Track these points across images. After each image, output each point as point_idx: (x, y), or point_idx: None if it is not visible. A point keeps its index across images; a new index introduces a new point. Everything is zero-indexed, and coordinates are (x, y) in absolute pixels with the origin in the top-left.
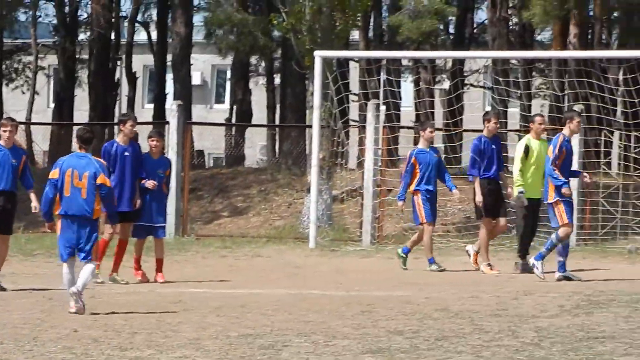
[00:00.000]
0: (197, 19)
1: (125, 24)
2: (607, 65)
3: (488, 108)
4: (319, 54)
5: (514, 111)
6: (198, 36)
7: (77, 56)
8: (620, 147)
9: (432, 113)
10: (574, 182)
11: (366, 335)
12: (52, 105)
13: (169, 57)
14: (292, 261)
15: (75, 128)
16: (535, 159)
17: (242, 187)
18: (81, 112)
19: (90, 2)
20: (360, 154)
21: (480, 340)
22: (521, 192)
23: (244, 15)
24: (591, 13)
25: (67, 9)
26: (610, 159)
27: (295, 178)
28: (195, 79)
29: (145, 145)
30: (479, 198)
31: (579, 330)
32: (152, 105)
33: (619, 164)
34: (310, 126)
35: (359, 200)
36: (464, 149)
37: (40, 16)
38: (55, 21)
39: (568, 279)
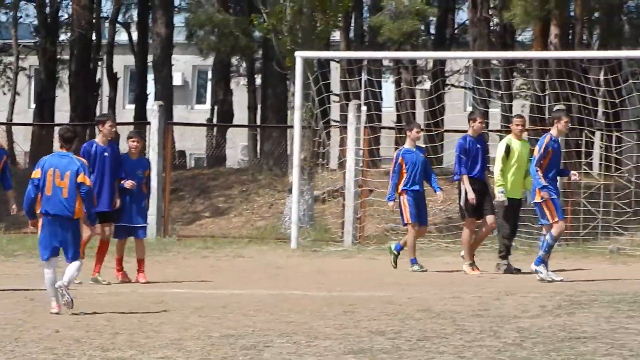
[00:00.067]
0: (178, 19)
1: (106, 24)
2: (588, 65)
3: (469, 108)
4: (299, 55)
5: (495, 111)
6: (179, 37)
7: (58, 57)
8: (601, 147)
9: (414, 113)
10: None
11: (348, 336)
12: (33, 105)
13: (150, 58)
14: (274, 262)
15: (56, 128)
16: (516, 159)
17: (224, 188)
18: (62, 112)
19: (71, 3)
20: (341, 154)
21: (462, 341)
22: (502, 192)
23: (225, 16)
24: (572, 13)
25: (47, 9)
26: (591, 160)
27: (276, 178)
28: (176, 80)
29: (125, 145)
30: (471, 195)
31: (560, 330)
32: (133, 106)
33: (600, 164)
34: (292, 126)
35: (341, 200)
36: (445, 149)
37: (21, 17)
38: (36, 22)
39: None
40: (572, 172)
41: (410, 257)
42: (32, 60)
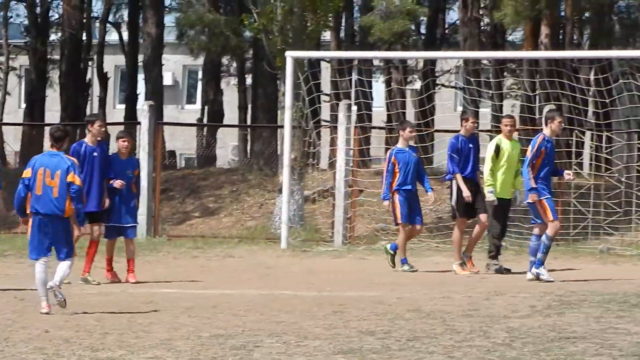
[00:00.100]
0: (169, 19)
1: (97, 24)
2: (578, 65)
3: (460, 108)
4: (290, 55)
5: (485, 111)
6: (169, 37)
7: (48, 57)
8: (591, 147)
9: (404, 113)
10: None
11: (338, 336)
12: (23, 105)
13: (141, 58)
14: (264, 262)
15: (47, 128)
16: (506, 159)
17: (214, 188)
18: (52, 112)
19: (61, 3)
20: (331, 154)
21: (452, 341)
22: (491, 192)
23: (216, 16)
24: (562, 13)
25: (38, 9)
26: (581, 159)
27: (266, 178)
28: (167, 80)
29: (116, 145)
30: (466, 193)
31: (550, 330)
32: (123, 106)
33: (591, 164)
34: (282, 126)
35: (331, 200)
36: (435, 149)
37: (11, 17)
38: (26, 22)
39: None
40: (567, 171)
41: (401, 257)
42: (23, 60)
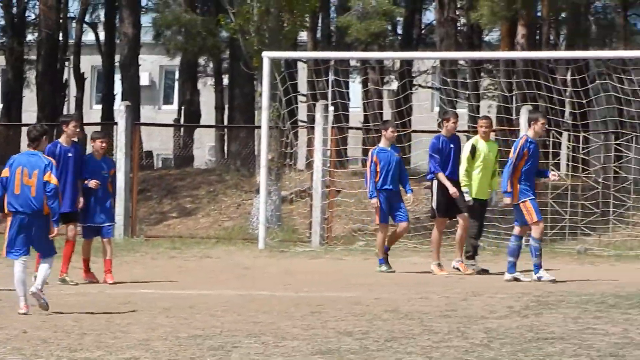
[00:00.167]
0: (145, 19)
1: (73, 24)
2: (555, 66)
3: (437, 109)
4: (267, 55)
5: (462, 112)
6: (146, 37)
7: (25, 57)
8: (568, 147)
9: (381, 114)
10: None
11: (315, 336)
12: (0, 106)
13: (117, 58)
14: (241, 262)
15: (24, 129)
16: (481, 160)
17: (191, 188)
18: (30, 112)
19: (37, 3)
20: (309, 154)
21: (430, 341)
22: (466, 192)
23: (192, 16)
24: (539, 14)
25: (14, 9)
26: (558, 160)
27: (244, 179)
28: (144, 80)
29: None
30: (452, 190)
31: (528, 331)
32: (100, 106)
33: (568, 164)
34: (259, 127)
35: (308, 201)
36: (412, 149)
37: None
38: (2, 22)
39: (517, 279)
40: (552, 172)
41: (379, 257)
42: None
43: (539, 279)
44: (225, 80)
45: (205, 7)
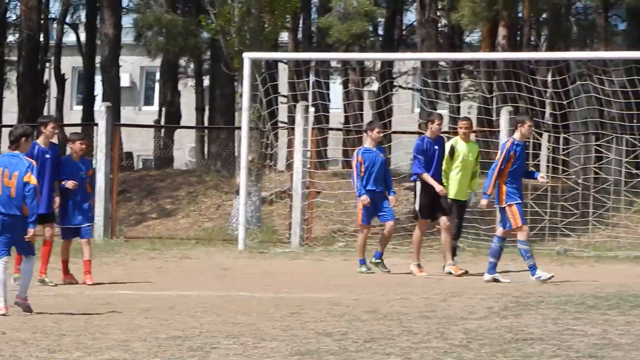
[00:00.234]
0: (126, 20)
1: (54, 25)
2: (535, 67)
3: (417, 110)
4: (247, 56)
5: (442, 113)
6: (127, 38)
7: (5, 58)
8: (548, 148)
9: (361, 115)
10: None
11: (295, 337)
12: None
13: (98, 59)
14: (221, 263)
15: (4, 130)
16: (460, 161)
17: (171, 189)
18: (10, 114)
19: (18, 4)
20: (289, 155)
21: (409, 342)
22: None
23: (173, 17)
24: (520, 15)
25: None
26: (538, 161)
27: (224, 180)
28: (124, 81)
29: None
30: (438, 188)
31: (507, 332)
32: (80, 107)
33: (548, 165)
34: (239, 128)
35: (288, 202)
36: (393, 151)
37: None
38: None
39: (497, 280)
40: (540, 174)
41: (359, 257)
42: None
43: (537, 278)
44: (206, 82)
45: (186, 8)
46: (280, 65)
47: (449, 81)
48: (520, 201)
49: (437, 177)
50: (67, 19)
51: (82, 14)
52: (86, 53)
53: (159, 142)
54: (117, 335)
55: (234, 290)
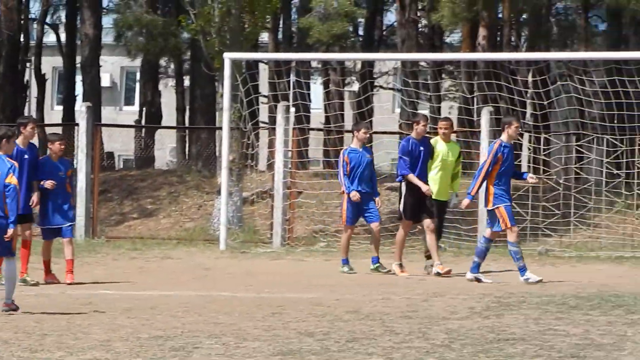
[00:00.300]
0: (107, 20)
1: (34, 25)
2: (516, 67)
3: (398, 110)
4: (228, 56)
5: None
6: (107, 38)
7: None
8: (529, 149)
9: (342, 115)
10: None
11: (277, 337)
12: None
13: (78, 59)
14: (202, 263)
15: None
16: (440, 160)
17: (152, 189)
18: None
19: None
20: (270, 155)
21: (391, 342)
22: None
23: (153, 17)
24: (500, 15)
25: None
26: (519, 161)
27: (205, 180)
28: (105, 81)
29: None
30: (424, 187)
31: (489, 332)
32: (61, 107)
33: (529, 166)
34: (220, 128)
35: (269, 202)
36: (373, 151)
37: None
38: None
39: (479, 280)
40: (530, 175)
41: (342, 257)
42: None
43: (526, 279)
44: (187, 82)
45: (166, 8)
46: (261, 66)
47: (429, 81)
48: (509, 203)
49: (423, 178)
50: (47, 19)
51: (62, 14)
52: (66, 53)
53: (139, 142)
54: (99, 335)
55: (216, 290)
